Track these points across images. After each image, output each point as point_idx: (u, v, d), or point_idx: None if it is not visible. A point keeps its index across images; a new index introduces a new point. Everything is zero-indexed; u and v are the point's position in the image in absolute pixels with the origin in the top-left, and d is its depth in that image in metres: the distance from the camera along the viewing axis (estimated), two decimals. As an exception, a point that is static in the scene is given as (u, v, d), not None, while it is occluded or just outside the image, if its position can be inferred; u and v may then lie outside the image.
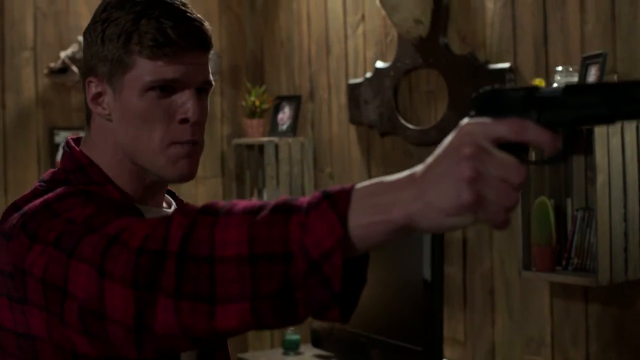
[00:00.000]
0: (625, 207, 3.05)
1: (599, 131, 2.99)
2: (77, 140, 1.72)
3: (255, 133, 4.99)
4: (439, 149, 1.12)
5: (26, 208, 1.51)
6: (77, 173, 1.63)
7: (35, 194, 1.57)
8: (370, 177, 4.41)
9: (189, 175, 1.65)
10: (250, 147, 5.04)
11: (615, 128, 3.02)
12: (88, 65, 1.67)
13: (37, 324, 1.44)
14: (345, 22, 4.62)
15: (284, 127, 4.92)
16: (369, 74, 4.38)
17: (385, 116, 4.27)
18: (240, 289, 1.20)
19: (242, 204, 1.26)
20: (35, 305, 1.43)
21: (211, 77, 1.68)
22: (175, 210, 1.31)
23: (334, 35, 4.71)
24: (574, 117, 1.15)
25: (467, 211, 1.08)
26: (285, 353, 4.45)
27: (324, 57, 4.80)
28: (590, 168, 3.16)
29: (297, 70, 5.03)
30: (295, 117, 4.88)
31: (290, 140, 4.82)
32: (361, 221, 1.14)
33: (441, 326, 3.46)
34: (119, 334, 1.30)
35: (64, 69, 4.79)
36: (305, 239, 1.16)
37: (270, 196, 4.77)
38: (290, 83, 5.10)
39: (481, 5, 3.77)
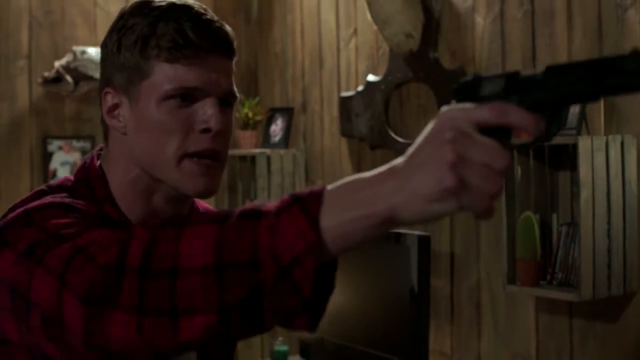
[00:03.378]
0: (609, 223, 3.06)
1: (584, 146, 3.00)
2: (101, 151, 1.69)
3: (247, 144, 5.01)
4: (420, 137, 1.10)
5: (8, 216, 1.49)
6: (83, 184, 1.60)
7: (33, 197, 1.54)
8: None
9: (206, 192, 1.58)
10: (242, 158, 5.05)
11: (600, 144, 3.03)
12: (104, 77, 1.62)
13: (10, 329, 1.43)
14: (338, 35, 4.65)
15: (276, 138, 4.94)
16: (360, 87, 4.40)
17: (376, 129, 4.29)
18: (206, 300, 1.17)
19: (208, 213, 1.23)
20: (6, 311, 1.42)
21: (235, 89, 1.61)
22: (138, 224, 1.28)
23: (327, 48, 4.74)
24: (557, 96, 1.13)
25: (450, 196, 1.06)
26: (274, 364, 4.46)
27: (317, 70, 4.83)
28: (576, 184, 3.17)
29: (291, 82, 5.06)
30: (288, 129, 4.90)
31: (282, 152, 4.83)
32: (342, 218, 1.11)
33: (427, 339, 3.46)
34: (76, 343, 1.28)
35: (58, 79, 4.81)
36: (275, 243, 1.13)
37: (261, 207, 4.78)
38: (283, 95, 5.13)
39: (471, 20, 3.80)
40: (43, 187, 1.60)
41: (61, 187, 1.59)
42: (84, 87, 4.83)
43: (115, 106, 1.60)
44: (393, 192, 1.09)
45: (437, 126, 1.09)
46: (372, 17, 4.00)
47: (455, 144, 1.06)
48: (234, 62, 1.62)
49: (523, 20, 3.54)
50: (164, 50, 1.54)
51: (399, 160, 1.12)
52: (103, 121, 1.64)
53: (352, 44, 4.54)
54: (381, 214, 1.10)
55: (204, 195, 1.59)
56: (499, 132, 1.10)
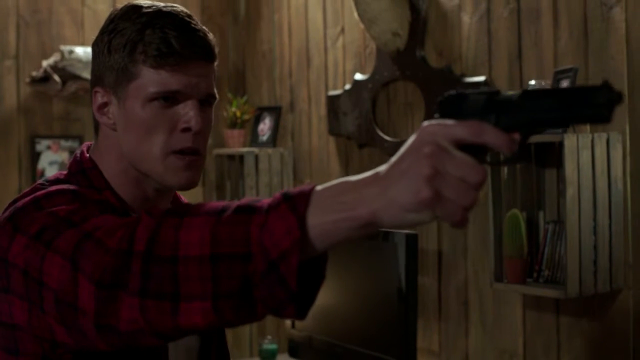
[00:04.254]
0: (594, 220, 3.08)
1: (569, 144, 3.02)
2: (89, 147, 1.78)
3: (235, 143, 5.01)
4: (402, 148, 1.16)
5: (17, 203, 1.57)
6: (79, 176, 1.69)
7: (34, 190, 1.62)
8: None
9: (188, 185, 1.70)
10: (230, 157, 5.06)
11: (586, 141, 3.05)
12: (95, 75, 1.73)
13: (18, 313, 1.50)
14: (325, 34, 4.66)
15: (264, 137, 4.94)
16: (347, 86, 4.41)
17: (364, 128, 4.30)
18: (202, 288, 1.24)
19: (207, 205, 1.30)
20: (17, 294, 1.49)
21: (215, 91, 1.72)
22: (143, 211, 1.35)
23: (314, 47, 4.75)
24: (529, 120, 1.20)
25: (426, 208, 1.13)
26: (262, 362, 4.47)
27: (304, 69, 4.84)
28: (561, 181, 3.19)
29: (278, 81, 5.07)
30: (276, 128, 4.91)
31: (270, 150, 4.84)
32: (326, 219, 1.18)
33: (415, 337, 3.48)
34: (87, 326, 1.35)
35: (45, 78, 4.81)
36: (264, 239, 1.20)
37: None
38: (271, 94, 5.14)
39: (458, 19, 3.81)
40: (40, 181, 1.68)
41: (58, 181, 1.68)
42: (72, 86, 4.83)
43: (105, 104, 1.71)
44: (374, 198, 1.16)
45: (417, 139, 1.16)
46: (359, 15, 4.01)
47: (433, 158, 1.13)
48: (214, 65, 1.73)
49: (509, 18, 3.56)
50: (150, 57, 1.65)
51: (383, 167, 1.18)
52: (93, 116, 1.74)
53: (339, 43, 4.55)
54: (362, 217, 1.17)
55: (186, 188, 1.71)
56: (475, 149, 1.17)
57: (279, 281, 1.20)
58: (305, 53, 4.83)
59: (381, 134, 4.19)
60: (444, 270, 3.91)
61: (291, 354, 4.30)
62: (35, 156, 4.89)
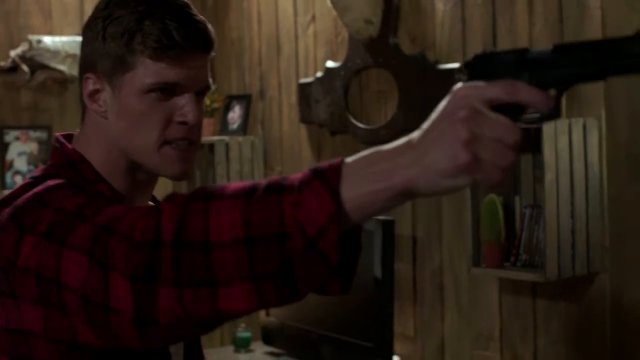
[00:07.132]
0: (572, 204, 3.12)
1: (547, 130, 3.05)
2: (67, 137, 1.71)
3: (205, 132, 5.00)
4: (435, 114, 1.15)
5: (17, 201, 1.50)
6: (68, 169, 1.63)
7: (24, 189, 1.55)
8: (320, 175, 4.44)
9: (182, 175, 1.67)
10: (201, 145, 5.04)
11: (563, 127, 3.08)
12: (86, 61, 1.67)
13: (31, 319, 1.44)
14: (295, 22, 4.66)
15: (235, 126, 4.94)
16: (319, 74, 4.42)
17: (336, 115, 4.31)
18: (239, 271, 1.22)
19: (232, 186, 1.28)
20: (28, 299, 1.43)
21: (210, 81, 1.69)
22: (164, 199, 1.32)
23: (285, 35, 4.75)
24: (565, 75, 1.18)
25: (464, 172, 1.12)
26: (237, 350, 4.47)
27: (274, 57, 4.83)
28: (539, 166, 3.22)
29: (248, 69, 5.06)
30: (246, 116, 4.91)
31: (240, 139, 4.84)
32: (361, 190, 1.17)
33: (391, 322, 3.50)
34: (121, 325, 1.31)
35: (13, 68, 4.77)
36: (300, 217, 1.18)
37: (221, 195, 4.77)
38: (240, 82, 5.13)
39: (431, 6, 3.83)
40: (27, 180, 1.62)
41: (47, 176, 1.61)
42: (40, 76, 4.79)
43: (97, 91, 1.66)
44: (409, 166, 1.15)
45: (451, 104, 1.14)
46: (332, 3, 4.01)
47: (469, 122, 1.12)
48: (211, 55, 1.70)
49: (483, 5, 3.58)
50: (148, 48, 1.60)
51: (415, 135, 1.17)
52: (82, 102, 1.69)
53: (310, 31, 4.55)
54: (398, 187, 1.16)
55: (179, 178, 1.69)
56: (510, 109, 1.15)
57: (319, 258, 1.18)
58: (275, 41, 4.83)
59: (354, 121, 4.20)
60: (419, 256, 3.93)
61: (265, 342, 4.31)
62: (3, 147, 4.85)
